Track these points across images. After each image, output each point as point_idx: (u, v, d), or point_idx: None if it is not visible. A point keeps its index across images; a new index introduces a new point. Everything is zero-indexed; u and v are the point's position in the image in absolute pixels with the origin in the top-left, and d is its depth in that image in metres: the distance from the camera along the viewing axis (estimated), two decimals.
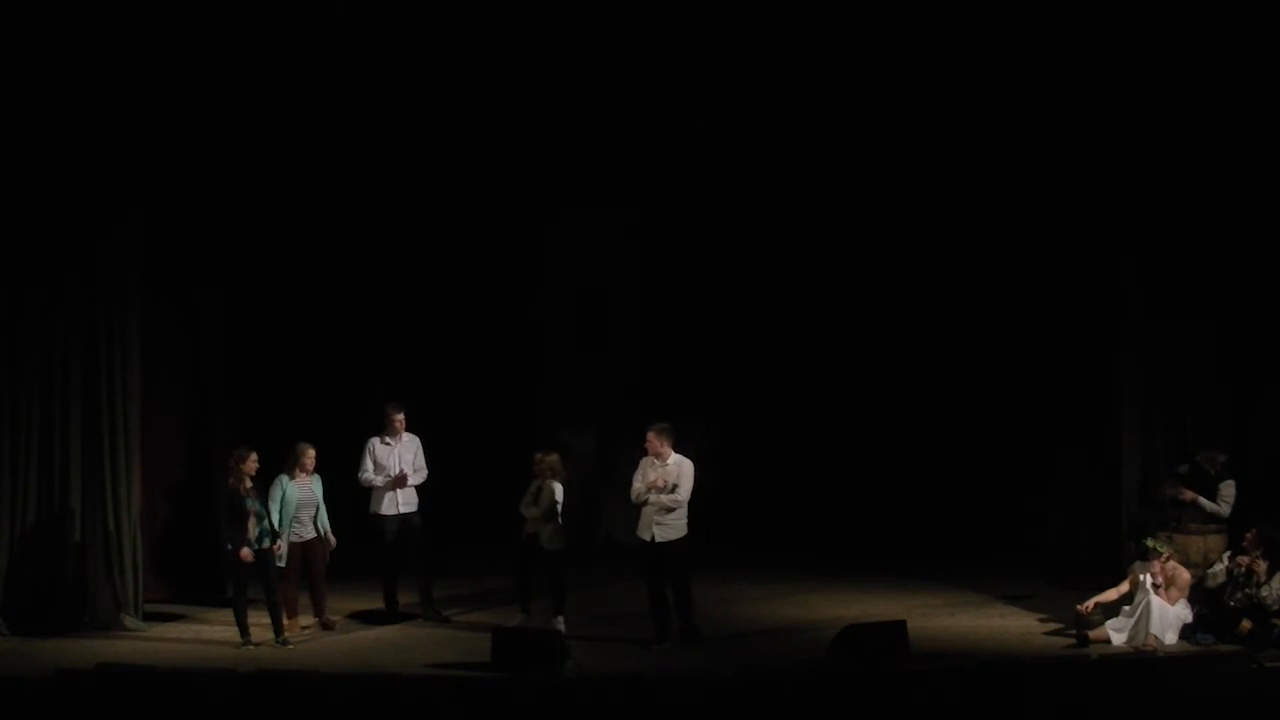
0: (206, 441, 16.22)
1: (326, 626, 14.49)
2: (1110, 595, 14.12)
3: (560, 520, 14.39)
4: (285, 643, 13.95)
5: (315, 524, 14.37)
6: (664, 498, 13.88)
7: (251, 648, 13.79)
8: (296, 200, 17.37)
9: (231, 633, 14.11)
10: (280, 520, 14.12)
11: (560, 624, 14.22)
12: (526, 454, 14.84)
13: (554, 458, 14.54)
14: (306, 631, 14.38)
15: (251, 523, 13.90)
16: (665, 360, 18.90)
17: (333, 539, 14.44)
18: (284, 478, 14.23)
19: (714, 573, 14.86)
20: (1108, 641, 13.87)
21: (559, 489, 14.42)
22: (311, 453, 14.36)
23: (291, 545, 14.24)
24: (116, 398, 14.60)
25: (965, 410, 17.90)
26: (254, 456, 14.05)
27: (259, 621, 14.06)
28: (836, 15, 16.24)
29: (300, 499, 14.25)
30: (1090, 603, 14.00)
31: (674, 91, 17.40)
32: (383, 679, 12.10)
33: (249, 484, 13.95)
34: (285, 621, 14.16)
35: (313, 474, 14.38)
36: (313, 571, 14.42)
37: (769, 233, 18.60)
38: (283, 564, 14.14)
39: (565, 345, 19.20)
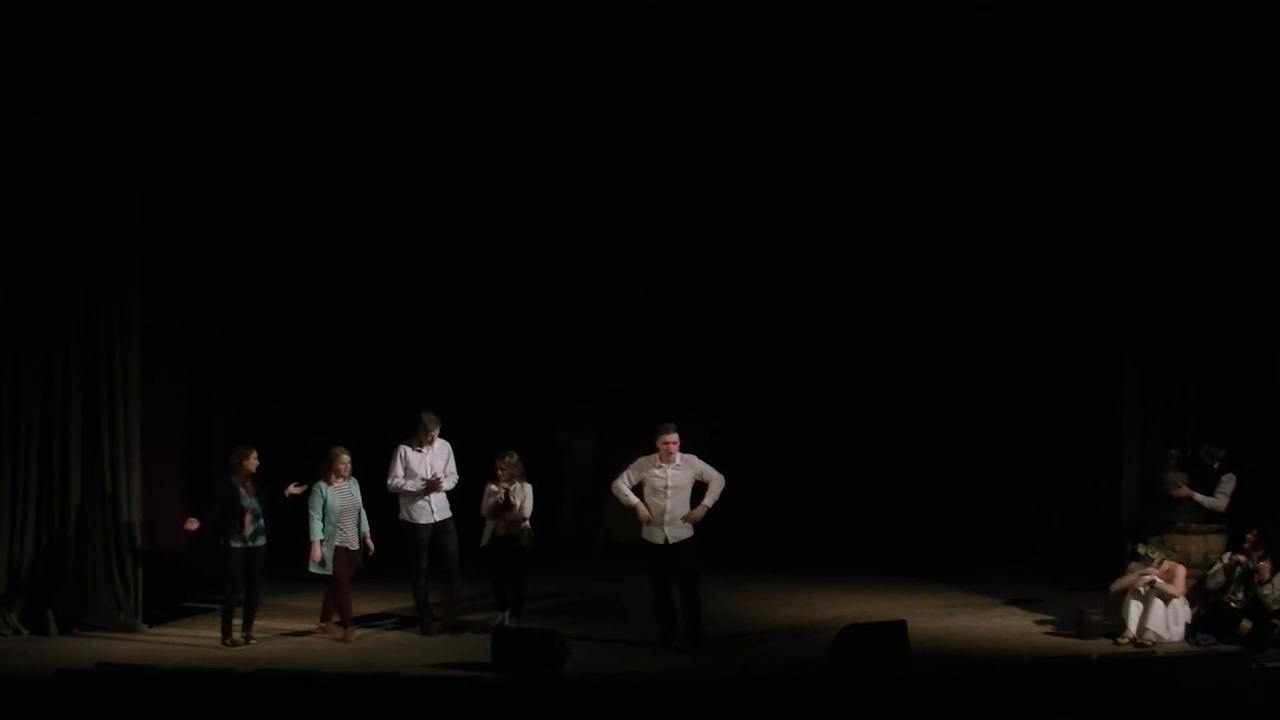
0: (206, 441, 16.23)
1: (325, 633, 14.32)
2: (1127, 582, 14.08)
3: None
4: (235, 644, 13.89)
5: (358, 530, 14.21)
6: (717, 488, 13.87)
7: (251, 642, 13.79)
8: (298, 202, 17.38)
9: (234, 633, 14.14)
10: (322, 527, 13.98)
11: (507, 619, 14.40)
12: (526, 455, 14.81)
13: (517, 458, 14.53)
14: (326, 637, 14.25)
15: (247, 519, 13.88)
16: (665, 360, 18.89)
17: (371, 544, 14.27)
18: (322, 485, 14.08)
19: (714, 572, 14.81)
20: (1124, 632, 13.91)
21: (530, 489, 14.52)
22: (346, 457, 14.18)
23: (338, 550, 14.05)
24: (116, 398, 14.58)
25: (965, 411, 17.90)
26: (254, 454, 14.03)
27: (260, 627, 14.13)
28: (831, 18, 16.25)
29: (341, 505, 14.09)
30: (1117, 586, 14.02)
31: (675, 95, 17.43)
32: (383, 679, 12.09)
33: (249, 482, 13.93)
34: (341, 632, 14.13)
35: (349, 478, 14.23)
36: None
37: (769, 234, 18.59)
38: (328, 571, 14.03)
39: (565, 345, 19.19)
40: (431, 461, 14.57)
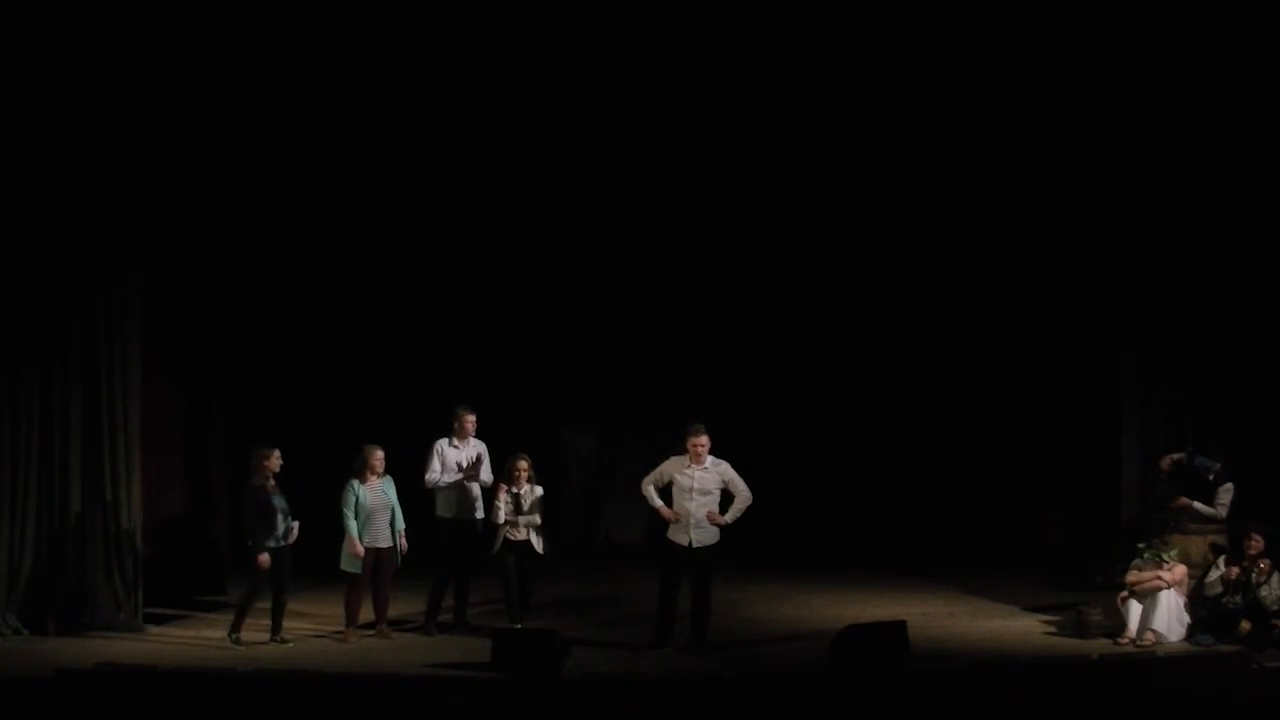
0: (206, 442, 16.22)
1: (382, 636, 14.15)
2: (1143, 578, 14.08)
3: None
4: (284, 641, 13.90)
5: (391, 529, 14.11)
6: (742, 504, 13.76)
7: (240, 646, 13.74)
8: (298, 201, 17.40)
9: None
10: (356, 525, 13.91)
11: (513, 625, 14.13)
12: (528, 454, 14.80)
13: (529, 461, 14.29)
14: (369, 637, 14.14)
15: (280, 519, 13.84)
16: (665, 360, 18.89)
17: (405, 543, 14.15)
18: (355, 483, 14.01)
19: (715, 574, 14.85)
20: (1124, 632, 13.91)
21: (540, 492, 14.25)
22: (379, 454, 14.07)
23: (365, 550, 13.94)
24: (116, 398, 14.58)
25: (965, 410, 17.91)
26: (277, 454, 13.93)
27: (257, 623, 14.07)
28: (827, 18, 16.28)
29: (373, 504, 14.02)
30: (1132, 578, 14.01)
31: (676, 92, 17.45)
32: (383, 679, 12.09)
33: (273, 482, 13.89)
34: (345, 629, 14.08)
35: (384, 476, 14.13)
36: (380, 579, 14.13)
37: (769, 233, 18.60)
38: (352, 569, 13.98)
39: (565, 345, 19.20)
40: (467, 458, 14.48)
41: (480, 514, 14.47)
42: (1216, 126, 15.20)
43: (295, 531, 13.97)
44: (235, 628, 13.94)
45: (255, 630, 14.11)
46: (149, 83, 14.75)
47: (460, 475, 14.39)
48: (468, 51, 16.54)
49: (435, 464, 14.44)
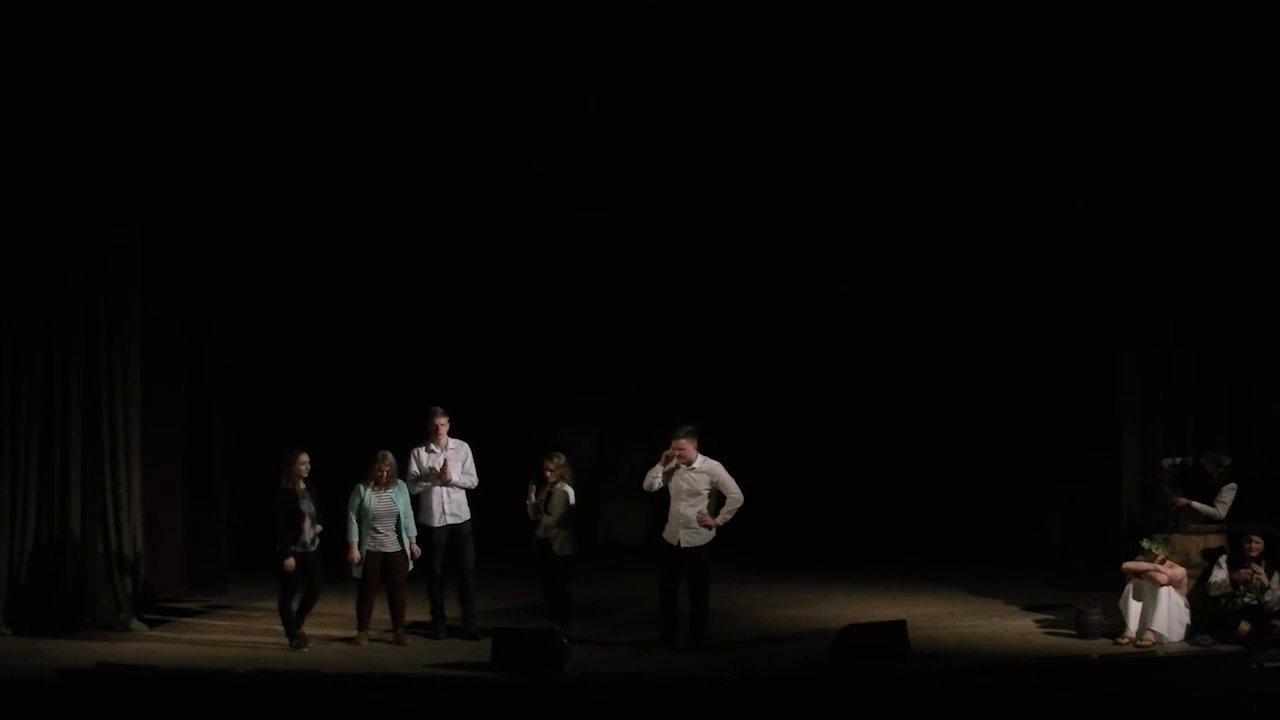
0: (207, 444, 16.21)
1: (399, 641, 14.07)
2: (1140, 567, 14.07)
3: (573, 525, 14.14)
4: (301, 646, 13.82)
5: (398, 535, 14.04)
6: (732, 505, 13.72)
7: (305, 650, 13.69)
8: (298, 204, 17.41)
9: (231, 633, 14.13)
10: (358, 530, 13.87)
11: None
12: (526, 455, 14.74)
13: (563, 459, 14.21)
14: (382, 642, 14.08)
15: (307, 524, 13.77)
16: (665, 361, 18.89)
17: (417, 549, 14.08)
18: (360, 486, 13.95)
19: (714, 574, 14.85)
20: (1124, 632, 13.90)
21: (570, 492, 14.12)
22: (392, 460, 13.99)
23: (371, 555, 13.92)
24: (116, 400, 14.59)
25: (965, 411, 17.91)
26: (305, 457, 13.85)
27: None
28: (828, 19, 16.28)
29: (378, 509, 13.95)
30: (1129, 566, 14.03)
31: (675, 98, 17.46)
32: (383, 679, 12.09)
33: (302, 485, 13.82)
34: (357, 633, 14.03)
35: (395, 484, 14.05)
36: (394, 584, 14.05)
37: (769, 235, 18.59)
38: (359, 575, 13.96)
39: (565, 345, 19.18)
40: (447, 462, 14.40)
41: (465, 516, 14.38)
42: (1217, 127, 15.18)
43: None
44: (289, 634, 13.81)
45: (258, 633, 14.14)
46: (155, 88, 14.77)
47: (434, 474, 14.29)
48: (465, 47, 16.57)
49: (411, 470, 14.37)
